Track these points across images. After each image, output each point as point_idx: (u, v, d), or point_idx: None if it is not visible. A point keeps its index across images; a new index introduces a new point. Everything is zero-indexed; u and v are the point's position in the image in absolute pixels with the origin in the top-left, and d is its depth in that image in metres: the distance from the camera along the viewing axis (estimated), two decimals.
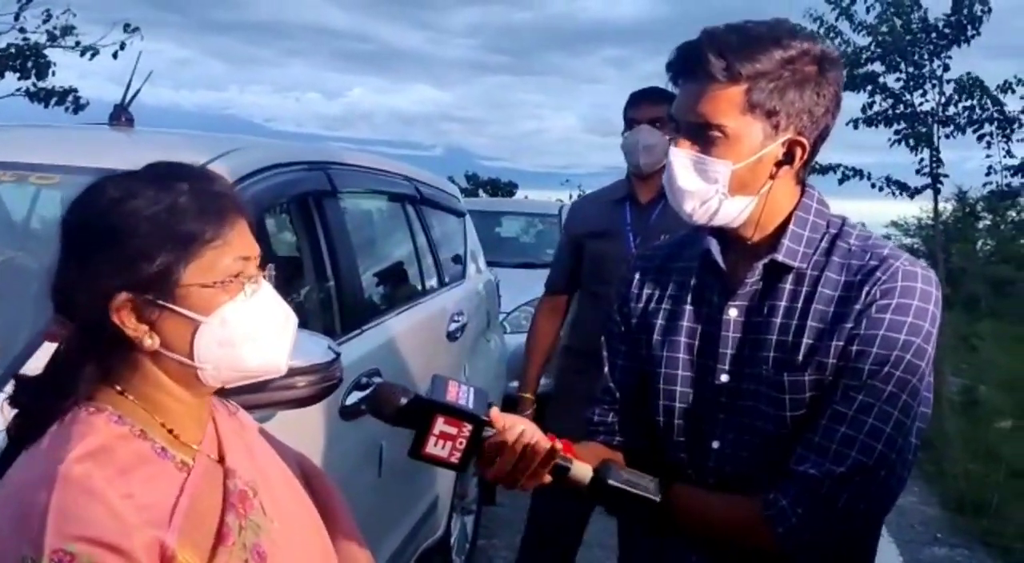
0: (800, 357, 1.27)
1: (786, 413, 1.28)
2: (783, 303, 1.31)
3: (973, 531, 4.58)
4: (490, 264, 4.64)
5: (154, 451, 1.04)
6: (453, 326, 3.49)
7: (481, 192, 28.14)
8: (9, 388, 1.10)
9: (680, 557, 1.38)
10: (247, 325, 1.07)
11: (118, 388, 1.06)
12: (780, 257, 1.31)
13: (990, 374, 8.05)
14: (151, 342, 1.04)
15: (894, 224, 20.40)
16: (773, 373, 1.29)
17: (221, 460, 1.11)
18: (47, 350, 1.50)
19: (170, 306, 1.03)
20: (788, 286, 1.31)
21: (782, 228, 1.33)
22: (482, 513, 4.08)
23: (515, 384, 4.67)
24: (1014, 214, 18.99)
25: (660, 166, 2.85)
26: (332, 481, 1.35)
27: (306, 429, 2.17)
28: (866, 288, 1.26)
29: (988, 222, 19.62)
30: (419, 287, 3.52)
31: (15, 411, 1.07)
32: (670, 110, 2.84)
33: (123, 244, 1.02)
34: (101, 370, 1.05)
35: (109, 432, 1.01)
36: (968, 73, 8.80)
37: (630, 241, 2.88)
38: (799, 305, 1.30)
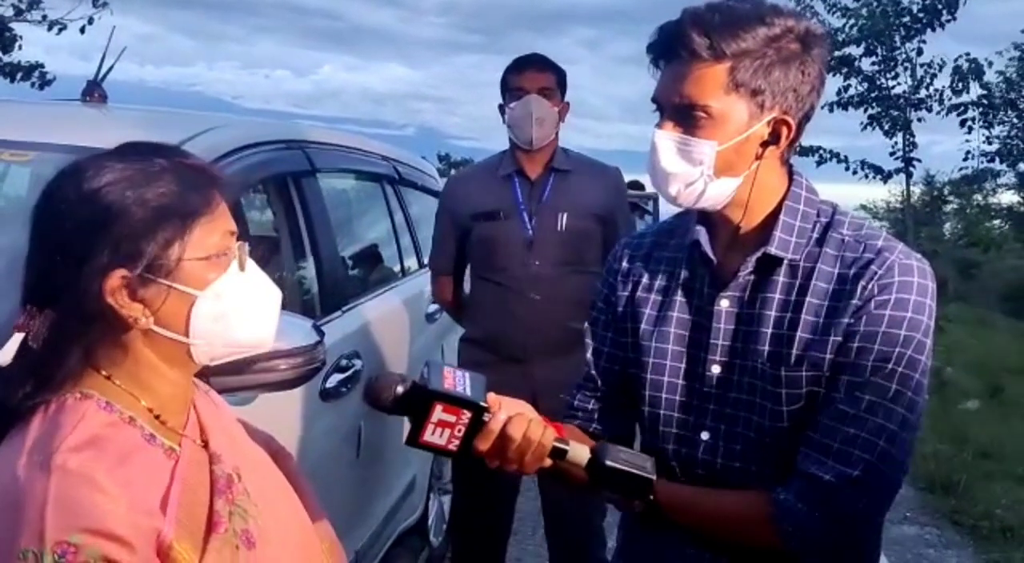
0: (795, 351, 1.26)
1: (782, 407, 1.27)
2: (777, 296, 1.29)
3: (942, 510, 4.65)
4: None
5: (143, 438, 1.02)
6: (432, 308, 3.47)
7: (453, 172, 28.05)
8: None
9: (676, 549, 1.37)
10: (239, 299, 1.07)
11: (104, 373, 1.04)
12: (772, 250, 1.29)
13: (958, 356, 8.18)
14: (145, 320, 1.02)
15: (863, 207, 20.64)
16: (768, 367, 1.28)
17: (205, 445, 1.11)
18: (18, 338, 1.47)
19: (167, 283, 1.02)
20: (782, 279, 1.30)
21: (772, 218, 1.31)
22: None
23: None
24: (980, 198, 19.28)
25: (550, 139, 2.76)
26: (295, 461, 1.34)
27: (286, 410, 2.16)
28: (862, 282, 1.24)
29: (955, 206, 19.92)
30: (398, 268, 3.50)
31: None
32: (557, 79, 2.77)
33: (116, 224, 1.00)
34: (87, 355, 1.03)
35: (100, 420, 1.00)
36: (967, 53, 8.86)
37: (525, 221, 2.72)
38: (793, 298, 1.29)
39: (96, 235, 1.00)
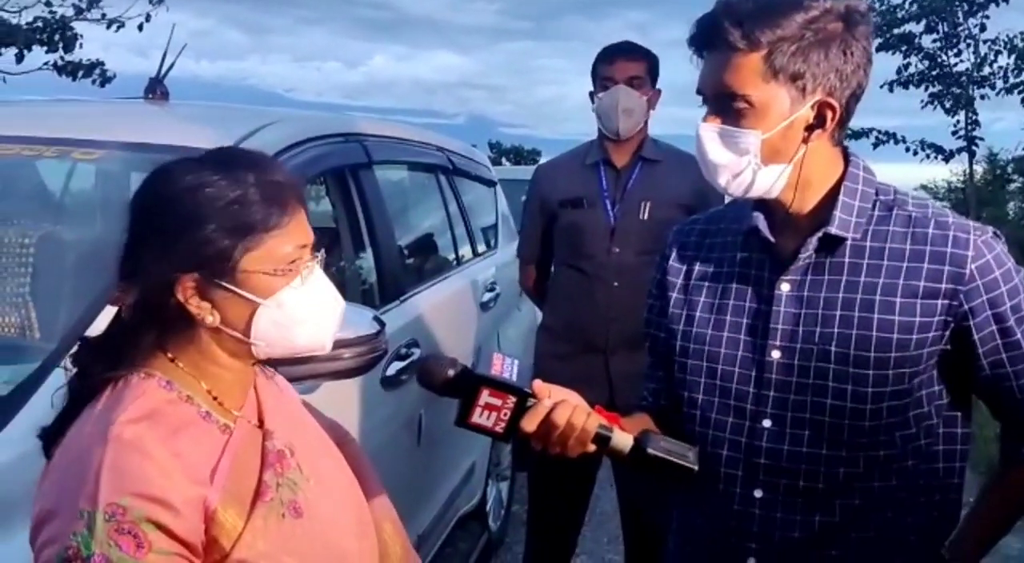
0: (876, 333, 1.26)
1: (867, 388, 1.27)
2: (844, 277, 1.29)
3: None
4: (518, 233, 4.63)
5: (199, 415, 1.11)
6: (487, 296, 3.50)
7: (504, 160, 28.07)
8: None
9: (739, 547, 1.37)
10: (301, 308, 1.13)
11: (169, 355, 1.13)
12: (833, 230, 1.29)
13: None
14: (212, 319, 1.11)
15: (924, 188, 20.15)
16: (845, 349, 1.27)
17: (260, 424, 1.18)
18: (104, 319, 1.57)
19: (233, 289, 1.10)
20: (847, 260, 1.30)
21: (829, 199, 1.31)
22: (515, 479, 4.13)
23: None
24: None
25: (638, 129, 2.72)
26: (361, 448, 1.40)
27: (348, 398, 2.20)
28: (951, 269, 1.26)
29: (1019, 184, 19.33)
30: (453, 257, 3.53)
31: (75, 371, 1.15)
32: (647, 67, 2.74)
33: (194, 230, 1.08)
34: (158, 340, 1.12)
35: (159, 397, 1.09)
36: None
37: (608, 209, 2.71)
38: (863, 279, 1.29)
39: (175, 237, 1.09)
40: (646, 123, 2.76)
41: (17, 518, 1.32)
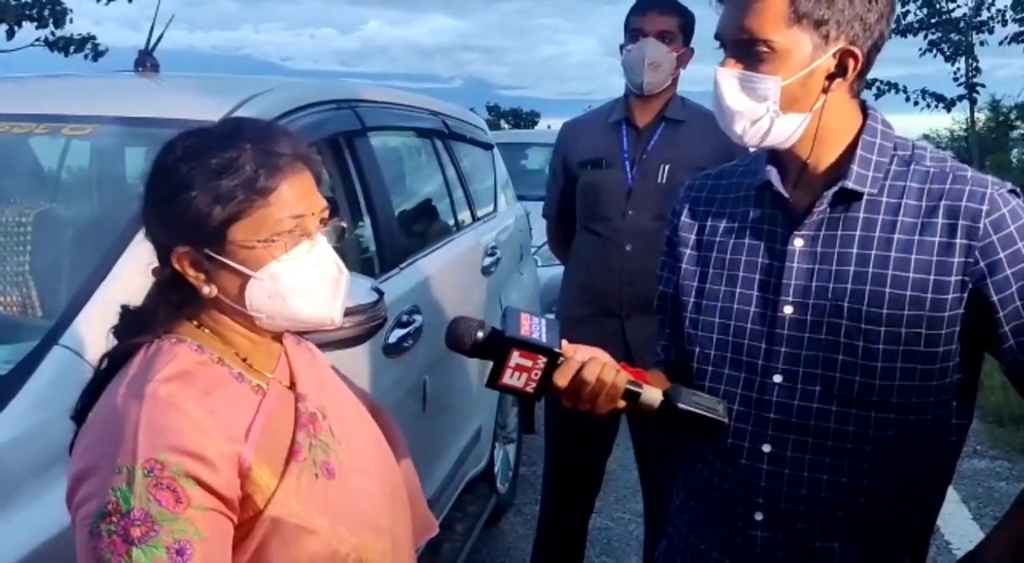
0: (889, 289, 1.24)
1: (878, 345, 1.24)
2: (858, 232, 1.27)
3: (1013, 443, 4.59)
4: (517, 197, 4.61)
5: (232, 375, 1.12)
6: (487, 261, 3.49)
7: (503, 123, 27.87)
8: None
9: (746, 515, 1.36)
10: (296, 280, 1.11)
11: (195, 322, 1.14)
12: (850, 184, 1.26)
13: None
14: (208, 290, 1.11)
15: (926, 137, 20.04)
16: (856, 306, 1.25)
17: (292, 387, 1.19)
18: (103, 295, 1.57)
19: (221, 259, 1.09)
20: (862, 215, 1.27)
21: (846, 153, 1.28)
22: (523, 442, 4.15)
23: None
24: None
25: (664, 86, 2.63)
26: (394, 421, 1.40)
27: (351, 367, 2.18)
28: (966, 223, 1.22)
29: (1022, 131, 19.20)
30: (452, 223, 3.51)
31: (115, 341, 1.16)
32: (680, 23, 2.67)
33: (179, 200, 1.08)
34: (175, 309, 1.13)
35: (191, 359, 1.10)
36: None
37: (627, 170, 2.62)
38: (877, 234, 1.26)
39: (167, 207, 1.09)
40: (674, 82, 2.67)
41: (20, 496, 1.33)
